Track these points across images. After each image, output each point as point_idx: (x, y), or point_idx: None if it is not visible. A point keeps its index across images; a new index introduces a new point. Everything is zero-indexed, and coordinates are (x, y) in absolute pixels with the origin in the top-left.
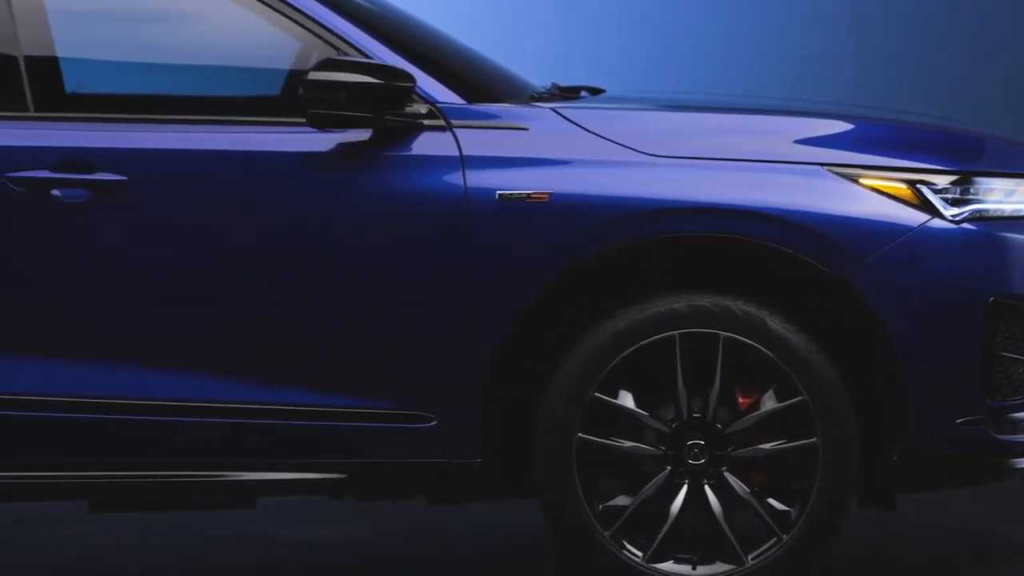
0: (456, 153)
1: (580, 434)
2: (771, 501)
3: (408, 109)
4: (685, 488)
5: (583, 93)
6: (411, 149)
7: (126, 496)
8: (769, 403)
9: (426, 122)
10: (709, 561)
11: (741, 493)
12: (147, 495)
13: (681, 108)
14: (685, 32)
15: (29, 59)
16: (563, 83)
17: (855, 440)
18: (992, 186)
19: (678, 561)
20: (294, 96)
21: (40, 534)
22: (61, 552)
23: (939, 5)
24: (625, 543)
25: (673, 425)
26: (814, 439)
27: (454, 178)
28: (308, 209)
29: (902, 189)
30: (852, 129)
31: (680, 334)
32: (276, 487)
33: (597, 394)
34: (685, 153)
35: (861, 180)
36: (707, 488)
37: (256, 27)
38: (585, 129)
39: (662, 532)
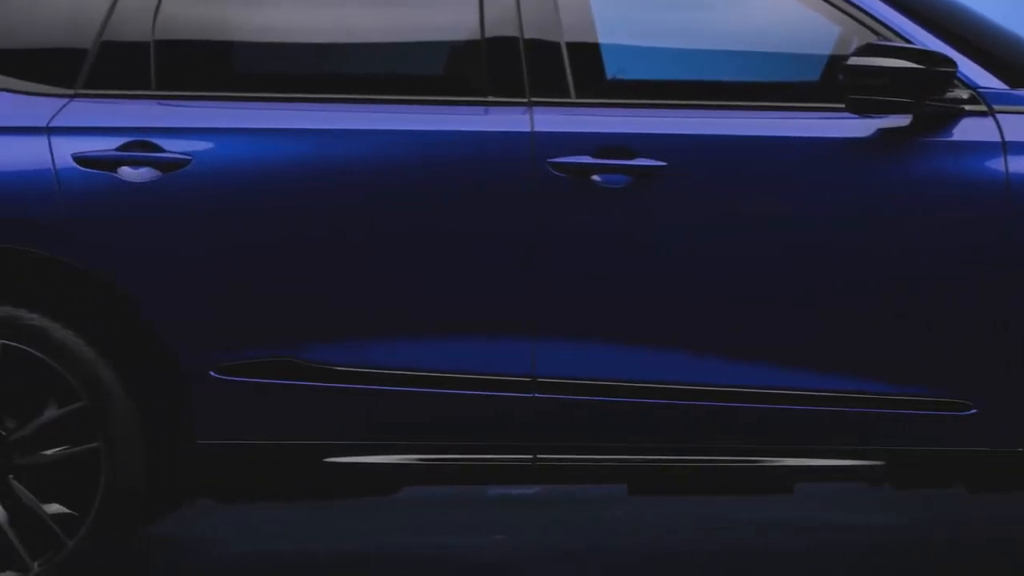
0: (998, 139)
1: None
2: None
3: (949, 94)
4: None
5: None
6: (951, 135)
7: (665, 480)
8: None
9: (967, 107)
10: None
11: None
12: (686, 480)
13: None
14: None
15: (571, 45)
16: None
17: None
18: None
19: None
20: (832, 82)
21: (584, 514)
22: (603, 532)
23: None
24: None
25: None
26: None
27: (995, 164)
28: (845, 194)
29: None
30: None
31: None
32: (814, 473)
33: None
34: None
35: None
36: None
37: (794, 12)
38: None
39: None
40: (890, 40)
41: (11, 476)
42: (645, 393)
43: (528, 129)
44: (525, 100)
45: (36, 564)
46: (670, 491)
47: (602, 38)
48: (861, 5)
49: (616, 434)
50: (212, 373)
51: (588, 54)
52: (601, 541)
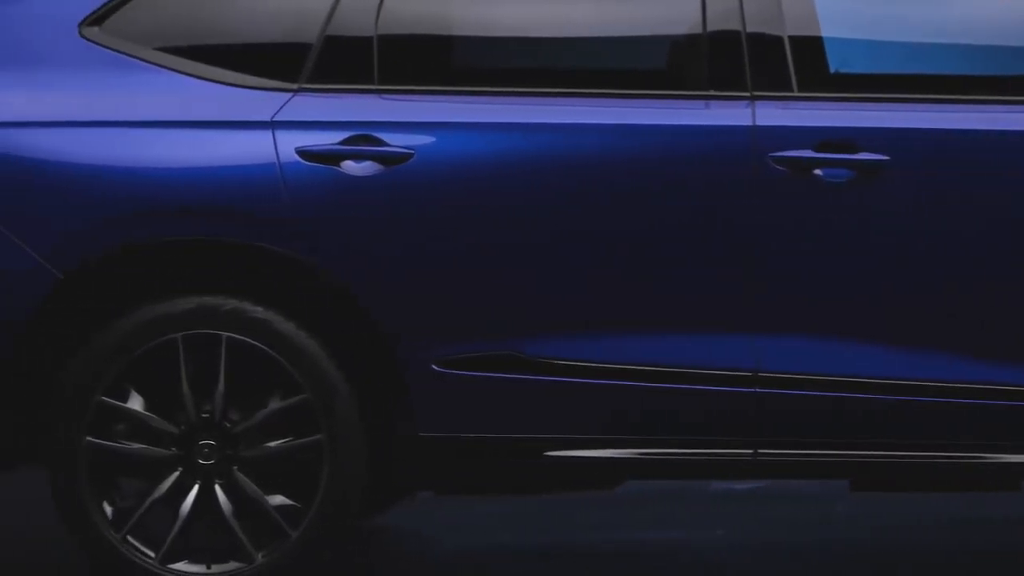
0: None
1: None
2: None
3: None
4: None
5: None
6: None
7: (889, 477)
8: None
9: None
10: None
11: None
12: (908, 476)
13: None
14: None
15: (793, 39)
16: None
17: None
18: None
19: None
20: None
21: (805, 510)
22: (824, 528)
23: None
24: None
25: None
26: None
27: None
28: None
29: None
30: None
31: None
32: None
33: None
34: None
35: None
36: None
37: (1021, 4)
38: None
39: None
40: None
41: (236, 468)
42: (869, 389)
43: (750, 123)
44: (747, 94)
45: (260, 555)
46: (893, 488)
47: (825, 31)
48: None
49: (839, 429)
50: (434, 367)
51: (811, 47)
52: (823, 537)
